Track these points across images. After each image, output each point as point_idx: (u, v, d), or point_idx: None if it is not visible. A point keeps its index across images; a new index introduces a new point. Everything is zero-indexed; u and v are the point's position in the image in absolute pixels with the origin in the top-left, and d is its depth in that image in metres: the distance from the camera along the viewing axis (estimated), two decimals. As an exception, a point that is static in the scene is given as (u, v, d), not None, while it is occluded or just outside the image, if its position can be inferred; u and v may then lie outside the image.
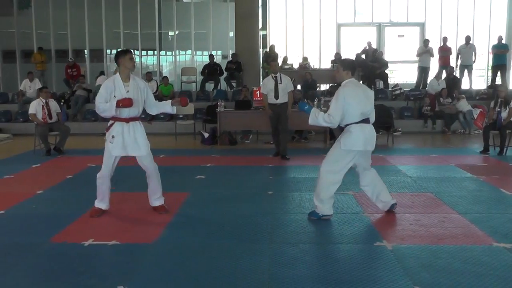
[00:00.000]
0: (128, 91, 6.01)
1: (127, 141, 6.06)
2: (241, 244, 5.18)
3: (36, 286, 4.26)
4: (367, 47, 18.10)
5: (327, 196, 5.91)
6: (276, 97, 10.20)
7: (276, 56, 17.34)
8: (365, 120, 5.83)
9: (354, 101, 5.70)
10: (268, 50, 18.14)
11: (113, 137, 6.04)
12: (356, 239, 5.28)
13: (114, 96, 5.95)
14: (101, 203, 6.38)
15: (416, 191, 7.43)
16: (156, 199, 6.47)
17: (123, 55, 6.05)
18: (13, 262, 4.77)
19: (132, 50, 6.28)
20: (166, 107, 6.42)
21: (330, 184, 5.88)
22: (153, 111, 6.47)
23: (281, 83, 10.18)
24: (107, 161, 6.16)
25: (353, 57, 17.62)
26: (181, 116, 14.45)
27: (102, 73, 17.98)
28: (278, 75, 10.25)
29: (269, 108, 10.44)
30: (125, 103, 5.91)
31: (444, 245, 5.01)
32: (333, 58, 17.78)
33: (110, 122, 6.14)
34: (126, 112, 6.03)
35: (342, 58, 6.05)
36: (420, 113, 15.22)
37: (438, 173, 8.74)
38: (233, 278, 4.31)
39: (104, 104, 5.98)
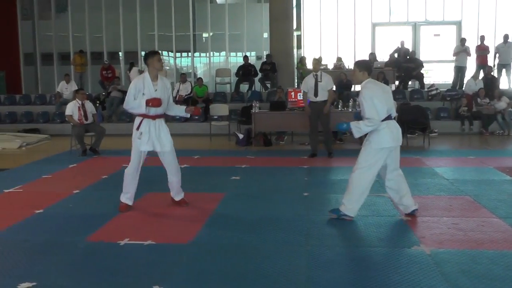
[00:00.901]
0: (156, 89, 6.37)
1: (153, 137, 6.41)
2: (277, 246, 5.16)
3: (73, 284, 4.32)
4: (400, 47, 17.92)
5: (360, 197, 5.92)
6: (316, 95, 10.34)
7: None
8: (389, 117, 5.88)
9: (378, 100, 5.76)
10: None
11: (141, 133, 6.38)
12: (393, 243, 5.23)
13: (143, 94, 6.32)
14: (128, 199, 6.66)
15: (454, 194, 7.30)
16: (178, 194, 6.80)
17: (152, 56, 6.40)
18: (51, 260, 4.85)
19: (160, 52, 6.55)
20: (181, 112, 6.87)
21: (365, 185, 5.89)
22: (169, 112, 6.76)
23: (321, 81, 10.31)
24: (135, 157, 6.48)
25: (387, 58, 17.54)
26: (215, 117, 14.49)
27: (132, 64, 18.02)
28: (319, 73, 10.40)
29: (308, 105, 10.58)
30: (154, 103, 6.29)
31: (484, 250, 4.91)
32: (368, 58, 17.63)
33: (139, 119, 6.44)
34: (153, 110, 6.38)
35: (357, 60, 6.24)
36: (457, 114, 14.95)
37: (476, 175, 8.59)
38: (269, 280, 4.31)
39: (133, 102, 6.36)
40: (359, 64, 6.09)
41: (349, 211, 5.94)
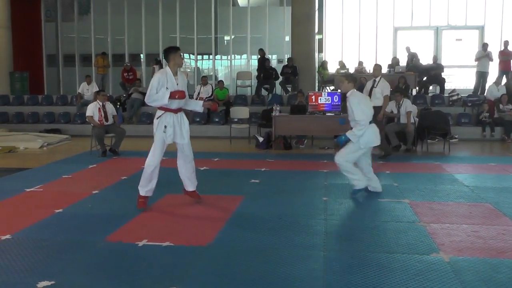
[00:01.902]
0: (177, 83, 6.62)
1: (176, 130, 6.70)
2: (295, 250, 5.16)
3: (91, 283, 4.35)
4: (407, 53, 17.85)
5: (356, 174, 7.32)
6: None
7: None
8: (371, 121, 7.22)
9: (365, 106, 7.20)
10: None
11: (165, 127, 6.61)
12: (411, 249, 5.17)
13: (167, 88, 6.53)
14: (148, 191, 6.80)
15: (474, 201, 7.21)
16: (191, 184, 7.02)
17: (174, 51, 6.66)
18: (70, 260, 4.89)
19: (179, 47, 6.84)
20: (197, 106, 7.18)
21: (350, 165, 7.30)
22: (186, 106, 6.99)
23: (375, 87, 10.56)
24: (159, 149, 6.66)
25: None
26: (236, 119, 14.52)
27: (160, 62, 18.08)
28: (377, 78, 10.66)
29: None
30: (180, 95, 6.57)
31: (505, 259, 4.84)
32: (390, 63, 17.55)
33: (161, 112, 6.68)
34: (176, 104, 6.64)
35: (346, 72, 7.59)
36: (478, 120, 14.81)
37: (497, 182, 8.50)
38: (287, 284, 4.30)
39: (155, 95, 6.57)
40: (347, 75, 7.50)
41: (358, 185, 7.37)
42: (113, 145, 11.42)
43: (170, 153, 6.91)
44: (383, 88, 10.55)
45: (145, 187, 6.74)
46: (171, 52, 6.60)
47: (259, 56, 17.89)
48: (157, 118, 6.67)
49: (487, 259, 4.84)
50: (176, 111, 6.67)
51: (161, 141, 6.62)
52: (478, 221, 6.20)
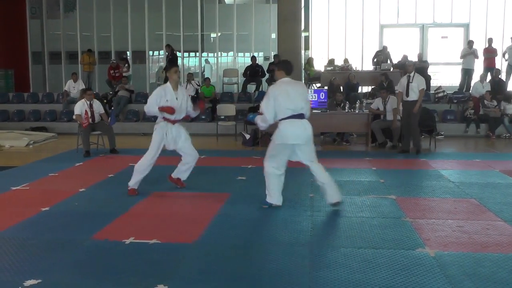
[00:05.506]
0: (177, 98, 7.13)
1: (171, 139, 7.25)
2: (282, 246, 5.17)
3: (78, 282, 4.34)
4: (381, 49, 17.94)
5: (275, 189, 6.56)
6: (407, 94, 10.97)
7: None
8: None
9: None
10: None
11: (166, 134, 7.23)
12: (397, 245, 5.20)
13: (167, 101, 7.05)
14: (136, 184, 7.37)
15: (459, 196, 7.28)
16: (183, 174, 7.66)
17: (169, 69, 7.19)
18: (56, 258, 4.87)
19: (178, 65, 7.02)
20: (192, 112, 7.56)
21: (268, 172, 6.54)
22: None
23: (411, 82, 10.89)
24: (155, 148, 7.28)
25: (395, 60, 17.51)
26: (222, 117, 14.51)
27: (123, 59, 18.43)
28: (412, 74, 10.99)
29: (401, 104, 11.30)
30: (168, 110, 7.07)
31: (489, 253, 4.90)
32: (376, 60, 17.60)
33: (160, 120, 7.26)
34: (172, 116, 7.14)
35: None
36: (464, 117, 14.92)
37: (482, 178, 8.55)
38: (274, 280, 4.32)
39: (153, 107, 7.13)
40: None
41: (274, 200, 6.63)
42: (110, 145, 11.39)
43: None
44: (419, 83, 10.92)
45: (135, 181, 7.33)
46: (167, 70, 7.25)
47: (166, 53, 18.03)
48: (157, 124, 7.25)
49: (472, 254, 4.90)
50: (173, 122, 7.17)
51: (157, 143, 7.18)
52: (463, 216, 6.27)
